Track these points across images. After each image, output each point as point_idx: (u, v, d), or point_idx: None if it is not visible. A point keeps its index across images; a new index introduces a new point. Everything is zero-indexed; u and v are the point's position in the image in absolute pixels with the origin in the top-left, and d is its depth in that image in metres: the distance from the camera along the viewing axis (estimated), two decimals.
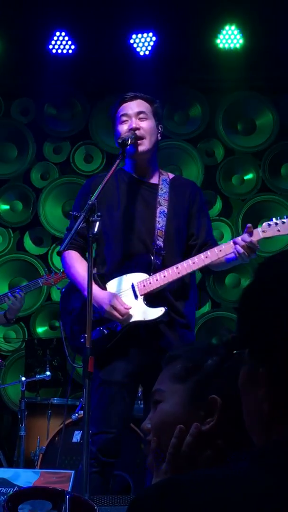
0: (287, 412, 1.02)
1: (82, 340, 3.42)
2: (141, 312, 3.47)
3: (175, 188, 3.68)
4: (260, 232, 3.41)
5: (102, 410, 3.36)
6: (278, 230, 3.40)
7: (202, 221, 3.68)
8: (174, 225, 3.60)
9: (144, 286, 3.49)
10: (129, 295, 3.49)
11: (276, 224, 3.40)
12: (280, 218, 3.44)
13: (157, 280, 3.47)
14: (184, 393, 1.55)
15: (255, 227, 3.46)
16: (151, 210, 3.59)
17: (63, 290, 3.73)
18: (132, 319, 3.46)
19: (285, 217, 3.45)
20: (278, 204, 6.56)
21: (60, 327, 3.65)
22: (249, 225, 3.42)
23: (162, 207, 3.59)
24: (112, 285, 3.54)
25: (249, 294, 1.12)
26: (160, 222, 3.57)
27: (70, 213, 3.20)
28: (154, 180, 3.69)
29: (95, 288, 3.39)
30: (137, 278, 3.51)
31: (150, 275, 3.50)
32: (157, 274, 3.48)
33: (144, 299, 3.49)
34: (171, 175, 3.77)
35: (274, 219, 3.44)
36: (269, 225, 3.41)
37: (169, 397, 1.57)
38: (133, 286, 3.51)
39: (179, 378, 1.57)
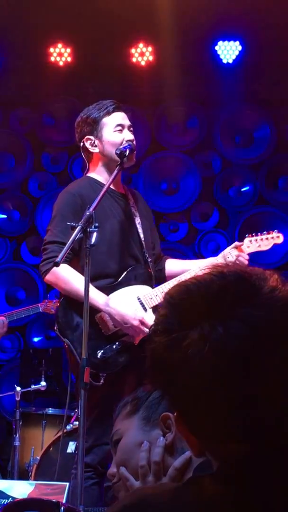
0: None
1: (99, 356, 3.39)
2: None
3: (136, 199, 3.78)
4: (245, 248, 3.66)
5: (104, 422, 3.27)
6: (259, 246, 3.69)
7: (156, 233, 3.95)
8: (148, 236, 3.71)
9: (151, 298, 3.50)
10: (139, 309, 3.48)
11: (256, 240, 3.69)
12: (264, 233, 3.69)
13: (163, 292, 3.47)
14: (139, 420, 1.62)
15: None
16: (132, 221, 3.65)
17: (62, 301, 3.49)
18: None
19: (264, 232, 3.70)
20: (275, 217, 6.57)
21: (69, 345, 3.41)
22: (236, 243, 3.70)
23: (137, 218, 3.67)
24: (115, 298, 3.46)
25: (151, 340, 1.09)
26: (141, 233, 3.64)
27: (68, 223, 3.19)
28: (122, 190, 3.74)
29: (115, 302, 3.39)
30: (141, 290, 3.52)
31: (152, 287, 3.53)
32: (163, 287, 3.51)
33: (153, 312, 3.48)
34: (125, 186, 3.85)
35: (255, 235, 3.71)
36: (251, 241, 3.69)
37: (126, 431, 1.63)
38: (139, 299, 3.50)
39: (131, 413, 1.65)
